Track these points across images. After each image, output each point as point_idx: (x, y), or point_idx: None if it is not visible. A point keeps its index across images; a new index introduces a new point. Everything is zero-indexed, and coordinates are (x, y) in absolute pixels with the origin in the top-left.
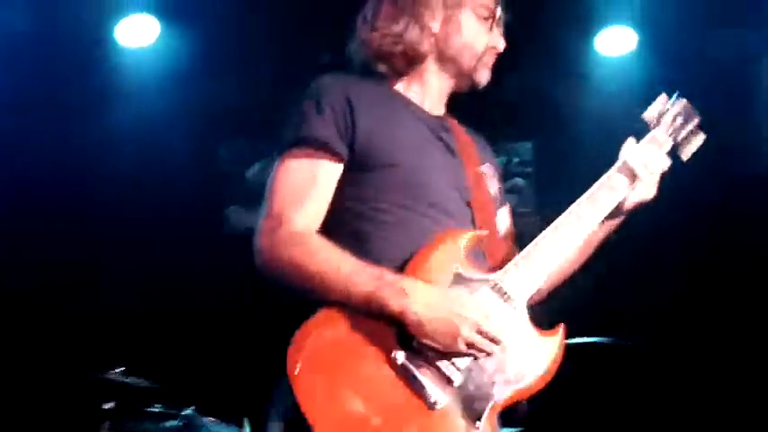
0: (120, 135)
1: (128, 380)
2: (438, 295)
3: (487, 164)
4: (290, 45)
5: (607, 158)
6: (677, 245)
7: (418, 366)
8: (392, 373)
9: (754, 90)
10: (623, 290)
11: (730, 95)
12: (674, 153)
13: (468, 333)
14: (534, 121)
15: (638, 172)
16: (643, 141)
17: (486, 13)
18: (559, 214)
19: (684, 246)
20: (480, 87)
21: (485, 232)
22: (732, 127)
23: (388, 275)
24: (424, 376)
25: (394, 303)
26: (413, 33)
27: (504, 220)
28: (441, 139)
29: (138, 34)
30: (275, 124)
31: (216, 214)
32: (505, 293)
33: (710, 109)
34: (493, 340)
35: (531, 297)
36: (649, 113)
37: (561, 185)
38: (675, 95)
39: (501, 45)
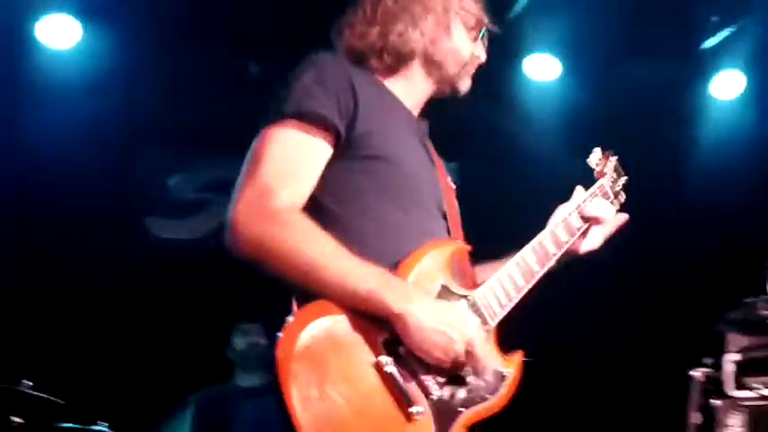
0: (37, 138)
1: (36, 394)
2: (439, 306)
3: (448, 171)
4: (216, 54)
5: (531, 181)
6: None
7: (402, 374)
8: (377, 379)
9: (669, 117)
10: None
11: (644, 121)
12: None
13: (459, 349)
14: (460, 143)
15: (598, 218)
16: (595, 190)
17: (473, 22)
18: (483, 237)
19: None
20: (460, 95)
21: (468, 247)
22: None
23: (391, 276)
24: (407, 385)
25: (395, 305)
26: (408, 32)
27: None
28: (423, 144)
29: (59, 35)
30: (200, 133)
31: (136, 223)
32: (481, 313)
33: (628, 134)
34: (477, 360)
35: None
36: (594, 161)
37: (485, 207)
38: (610, 151)
39: (483, 57)
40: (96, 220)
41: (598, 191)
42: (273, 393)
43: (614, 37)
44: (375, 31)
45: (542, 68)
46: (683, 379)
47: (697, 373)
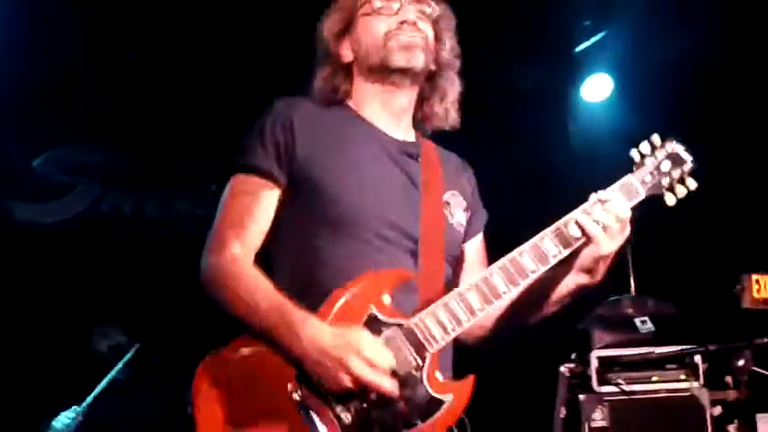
0: None
1: None
2: (331, 338)
3: (453, 192)
4: (91, 34)
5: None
6: None
7: (313, 403)
8: (289, 408)
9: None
10: None
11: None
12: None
13: (355, 377)
14: None
15: (589, 231)
16: (613, 187)
17: (377, 5)
18: None
19: None
20: (411, 75)
21: (410, 274)
22: None
23: (292, 314)
24: (317, 414)
25: (286, 342)
26: (334, 44)
27: (472, 250)
28: (401, 166)
29: None
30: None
31: None
32: (416, 339)
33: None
34: (379, 387)
35: (469, 338)
36: (635, 152)
37: None
38: (675, 138)
39: (406, 16)
40: None
41: (610, 193)
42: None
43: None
44: (320, 52)
45: None
46: (551, 373)
47: (564, 369)
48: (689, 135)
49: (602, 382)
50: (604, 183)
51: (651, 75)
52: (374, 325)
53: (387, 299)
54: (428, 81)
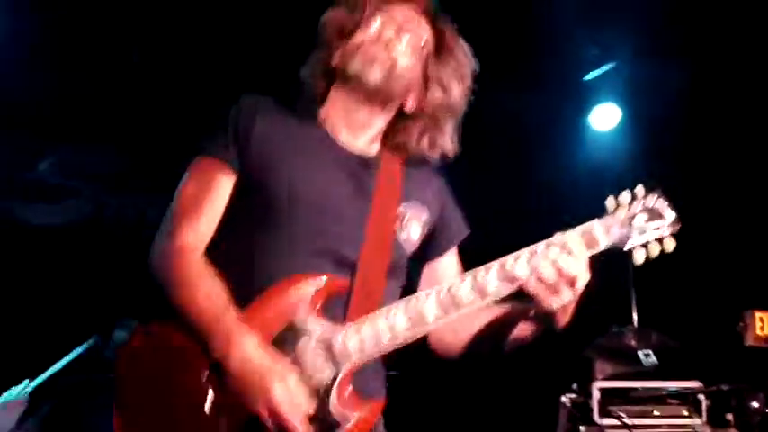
0: None
1: None
2: (257, 357)
3: (411, 204)
4: (97, 40)
5: None
6: None
7: (220, 401)
8: (198, 398)
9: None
10: None
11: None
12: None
13: (272, 407)
14: None
15: (529, 284)
16: (573, 231)
17: (376, 23)
18: None
19: None
20: (381, 92)
21: (341, 285)
22: None
23: (227, 320)
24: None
25: (218, 351)
26: (330, 44)
27: (443, 266)
28: (352, 176)
29: None
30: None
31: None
32: (332, 352)
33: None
34: (293, 428)
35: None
36: (611, 201)
37: None
38: (656, 191)
39: (388, 35)
40: None
41: (567, 238)
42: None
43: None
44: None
45: None
46: (552, 403)
47: (565, 399)
48: (696, 165)
49: (603, 413)
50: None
51: (659, 104)
52: (295, 332)
53: (312, 307)
54: (413, 116)
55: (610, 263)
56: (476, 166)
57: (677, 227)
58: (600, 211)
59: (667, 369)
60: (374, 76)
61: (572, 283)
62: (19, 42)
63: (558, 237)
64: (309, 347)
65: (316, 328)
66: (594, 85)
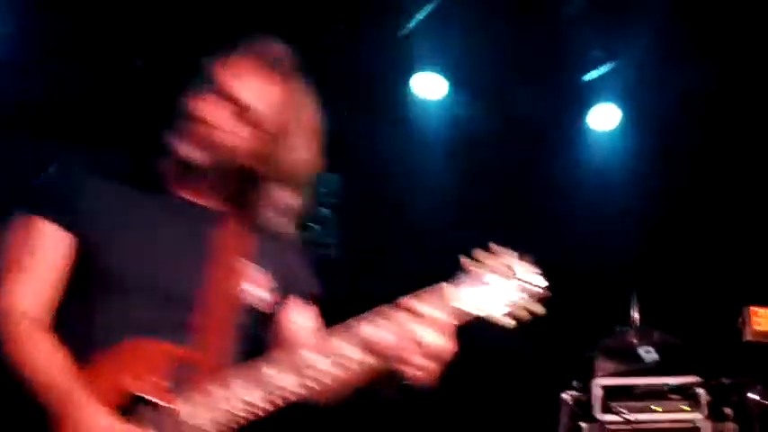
0: None
1: None
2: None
3: (258, 262)
4: (102, 47)
5: (410, 199)
6: None
7: None
8: None
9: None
10: None
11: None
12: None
13: None
14: (345, 156)
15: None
16: (424, 296)
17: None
18: (361, 247)
19: None
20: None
21: (180, 351)
22: None
23: (60, 387)
24: None
25: (61, 410)
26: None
27: (298, 325)
28: (190, 232)
29: None
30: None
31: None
32: (174, 424)
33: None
34: None
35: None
36: (465, 260)
37: (364, 221)
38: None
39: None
40: None
41: (419, 303)
42: None
43: (501, 62)
44: None
45: (429, 87)
46: (553, 400)
47: (566, 396)
48: (696, 165)
49: (605, 410)
50: (612, 211)
51: (659, 104)
52: (128, 405)
53: (147, 376)
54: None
55: (613, 261)
56: (476, 166)
57: (542, 290)
58: (600, 213)
59: (668, 365)
60: (186, 152)
61: (434, 354)
62: (19, 43)
63: (409, 302)
64: (149, 419)
65: (155, 397)
66: (594, 86)
